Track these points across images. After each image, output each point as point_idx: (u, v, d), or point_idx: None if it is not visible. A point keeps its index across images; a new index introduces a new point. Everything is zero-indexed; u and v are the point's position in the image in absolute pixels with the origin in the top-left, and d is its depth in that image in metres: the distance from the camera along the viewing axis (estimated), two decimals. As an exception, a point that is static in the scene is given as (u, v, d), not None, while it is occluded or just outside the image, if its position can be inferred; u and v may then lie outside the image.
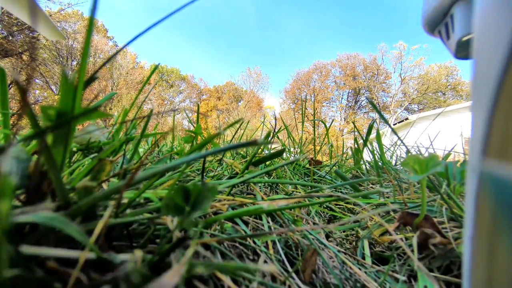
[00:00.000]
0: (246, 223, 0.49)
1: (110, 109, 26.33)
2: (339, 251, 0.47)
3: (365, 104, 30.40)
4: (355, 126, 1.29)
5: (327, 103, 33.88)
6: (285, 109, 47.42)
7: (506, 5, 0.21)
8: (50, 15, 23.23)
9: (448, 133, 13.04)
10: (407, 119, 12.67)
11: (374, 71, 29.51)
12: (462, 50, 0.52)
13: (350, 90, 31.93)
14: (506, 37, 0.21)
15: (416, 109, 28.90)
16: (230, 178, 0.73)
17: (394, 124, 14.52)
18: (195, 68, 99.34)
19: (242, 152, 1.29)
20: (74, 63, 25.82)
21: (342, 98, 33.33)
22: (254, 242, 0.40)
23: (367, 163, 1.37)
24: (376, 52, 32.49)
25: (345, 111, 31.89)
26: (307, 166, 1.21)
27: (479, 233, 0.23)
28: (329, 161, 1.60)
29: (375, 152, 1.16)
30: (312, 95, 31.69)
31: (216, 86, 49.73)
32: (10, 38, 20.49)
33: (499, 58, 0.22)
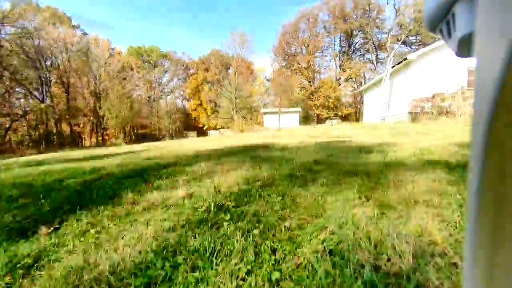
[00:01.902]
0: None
1: (100, 107, 25.49)
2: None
3: (360, 46, 28.59)
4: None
5: (319, 53, 32.05)
6: (276, 68, 45.34)
7: (508, 3, 0.21)
8: (6, 16, 21.08)
9: (451, 66, 12.28)
10: (405, 59, 11.94)
11: (365, 7, 27.04)
12: (464, 49, 0.48)
13: (342, 34, 29.83)
14: (508, 34, 0.21)
15: (414, 40, 27.14)
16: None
17: (392, 67, 13.77)
18: (174, 42, 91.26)
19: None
20: (48, 63, 24.27)
21: (334, 44, 31.39)
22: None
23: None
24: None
25: (339, 58, 30.27)
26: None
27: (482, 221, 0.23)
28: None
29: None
30: (303, 47, 29.84)
31: (202, 57, 47.01)
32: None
33: (501, 56, 0.21)
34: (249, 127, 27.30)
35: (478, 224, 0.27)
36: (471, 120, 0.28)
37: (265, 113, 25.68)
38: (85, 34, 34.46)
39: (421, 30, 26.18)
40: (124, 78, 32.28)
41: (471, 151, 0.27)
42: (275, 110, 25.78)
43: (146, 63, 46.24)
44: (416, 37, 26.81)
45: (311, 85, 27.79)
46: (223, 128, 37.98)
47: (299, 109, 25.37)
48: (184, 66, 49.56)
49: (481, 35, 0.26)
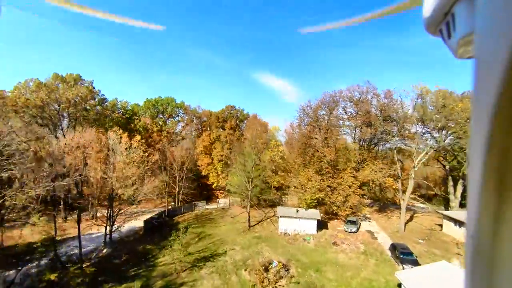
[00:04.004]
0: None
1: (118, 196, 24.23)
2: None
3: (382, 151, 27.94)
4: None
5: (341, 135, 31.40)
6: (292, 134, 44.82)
7: (508, 3, 0.21)
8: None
9: None
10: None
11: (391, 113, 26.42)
12: (464, 49, 0.50)
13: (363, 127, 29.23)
14: (508, 34, 0.20)
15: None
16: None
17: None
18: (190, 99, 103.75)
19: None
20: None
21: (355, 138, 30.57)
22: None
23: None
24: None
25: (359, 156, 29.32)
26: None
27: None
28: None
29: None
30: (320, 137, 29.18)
31: (217, 113, 46.76)
32: None
33: (501, 56, 0.21)
34: (265, 230, 26.10)
35: (479, 224, 0.26)
36: (471, 121, 0.27)
37: (281, 216, 24.55)
38: (105, 99, 34.54)
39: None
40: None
41: (471, 152, 0.26)
42: (292, 213, 24.68)
43: (161, 115, 46.17)
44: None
45: (332, 180, 26.72)
46: (231, 200, 36.56)
47: (317, 214, 24.24)
48: (199, 118, 49.39)
49: (481, 35, 0.25)
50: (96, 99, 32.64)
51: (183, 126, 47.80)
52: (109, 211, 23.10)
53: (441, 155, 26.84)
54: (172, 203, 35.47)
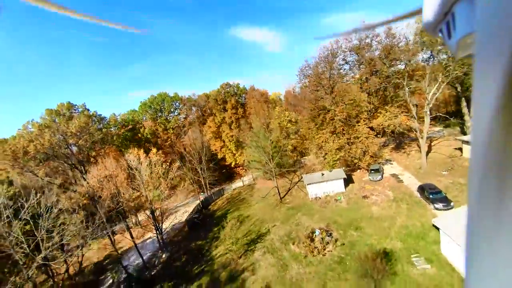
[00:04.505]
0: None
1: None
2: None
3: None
4: None
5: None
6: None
7: (508, 3, 0.22)
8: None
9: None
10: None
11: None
12: (464, 49, 0.52)
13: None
14: (509, 34, 0.22)
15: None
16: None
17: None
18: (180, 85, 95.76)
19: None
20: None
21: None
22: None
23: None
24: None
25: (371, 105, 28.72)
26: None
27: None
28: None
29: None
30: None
31: (213, 95, 45.24)
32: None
33: (502, 56, 0.22)
34: (295, 198, 27.70)
35: (479, 224, 0.27)
36: (472, 121, 0.29)
37: (309, 184, 25.85)
38: (104, 118, 33.99)
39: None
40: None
41: (472, 151, 0.28)
42: (318, 178, 25.85)
43: (160, 113, 45.38)
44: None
45: (348, 135, 27.12)
46: (254, 174, 37.89)
47: (342, 173, 25.34)
48: (197, 105, 48.31)
49: (481, 35, 0.27)
50: (95, 120, 32.29)
51: (184, 118, 47.31)
52: (153, 220, 24.93)
53: (453, 79, 25.85)
54: (202, 194, 37.66)
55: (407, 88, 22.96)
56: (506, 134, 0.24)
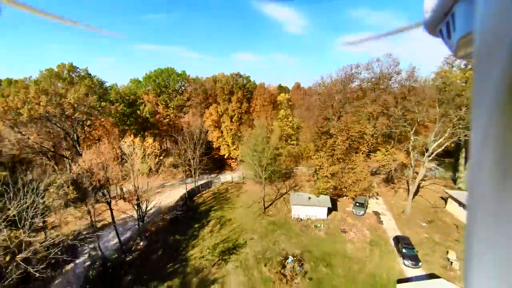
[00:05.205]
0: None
1: None
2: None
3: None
4: None
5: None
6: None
7: (508, 2, 0.22)
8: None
9: None
10: None
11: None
12: (463, 49, 0.54)
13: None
14: (508, 34, 0.22)
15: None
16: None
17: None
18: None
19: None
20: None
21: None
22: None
23: None
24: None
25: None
26: None
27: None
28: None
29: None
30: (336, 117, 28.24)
31: (221, 84, 43.79)
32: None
33: (501, 56, 0.22)
34: (279, 212, 28.33)
35: (479, 224, 0.27)
36: (471, 120, 0.29)
37: (294, 204, 26.45)
38: (106, 89, 32.79)
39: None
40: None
41: (471, 151, 0.28)
42: (305, 200, 26.41)
43: (164, 89, 43.94)
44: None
45: (344, 164, 27.39)
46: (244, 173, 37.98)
47: (328, 202, 25.94)
48: (203, 87, 46.82)
49: (481, 35, 0.27)
50: (96, 89, 31.17)
51: (187, 99, 46.16)
52: (137, 201, 25.13)
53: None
54: (190, 180, 37.88)
55: (411, 140, 22.87)
56: (505, 134, 0.24)
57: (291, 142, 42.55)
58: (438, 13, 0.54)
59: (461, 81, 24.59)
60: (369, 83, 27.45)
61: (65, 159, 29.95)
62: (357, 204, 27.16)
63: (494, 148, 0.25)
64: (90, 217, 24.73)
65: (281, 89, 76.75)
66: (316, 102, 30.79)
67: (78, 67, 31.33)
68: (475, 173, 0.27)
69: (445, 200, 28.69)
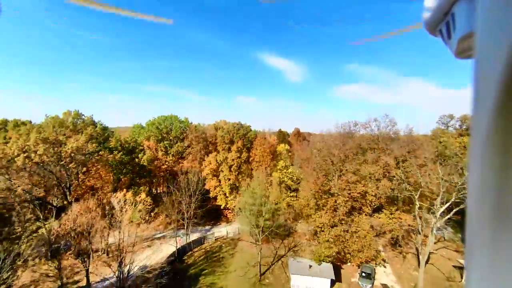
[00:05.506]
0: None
1: None
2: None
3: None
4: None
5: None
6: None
7: (509, 2, 0.21)
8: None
9: None
10: None
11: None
12: (463, 49, 0.50)
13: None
14: (509, 34, 0.20)
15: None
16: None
17: None
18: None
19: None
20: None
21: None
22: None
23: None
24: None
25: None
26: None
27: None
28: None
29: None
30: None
31: (222, 133, 44.81)
32: None
33: (502, 56, 0.21)
34: (276, 280, 25.50)
35: (479, 224, 0.26)
36: (471, 121, 0.27)
37: (293, 274, 23.82)
38: (108, 136, 33.23)
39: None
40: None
41: (471, 151, 0.27)
42: (305, 269, 23.89)
43: (166, 136, 44.69)
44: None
45: (347, 226, 25.52)
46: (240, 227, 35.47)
47: (331, 273, 23.38)
48: (203, 134, 47.74)
49: (481, 35, 0.26)
50: (97, 137, 31.39)
51: (188, 146, 46.45)
52: (118, 269, 22.64)
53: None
54: (180, 235, 35.06)
55: (417, 207, 21.93)
56: (505, 134, 0.24)
57: (291, 194, 41.14)
58: (438, 13, 0.53)
59: (457, 144, 24.81)
60: (368, 143, 27.79)
61: (52, 207, 28.43)
62: (364, 274, 24.50)
63: (494, 147, 0.25)
64: (61, 278, 22.05)
65: (281, 134, 78.41)
66: (316, 158, 30.66)
67: (83, 114, 32.21)
68: (475, 173, 0.27)
69: (461, 270, 26.06)
